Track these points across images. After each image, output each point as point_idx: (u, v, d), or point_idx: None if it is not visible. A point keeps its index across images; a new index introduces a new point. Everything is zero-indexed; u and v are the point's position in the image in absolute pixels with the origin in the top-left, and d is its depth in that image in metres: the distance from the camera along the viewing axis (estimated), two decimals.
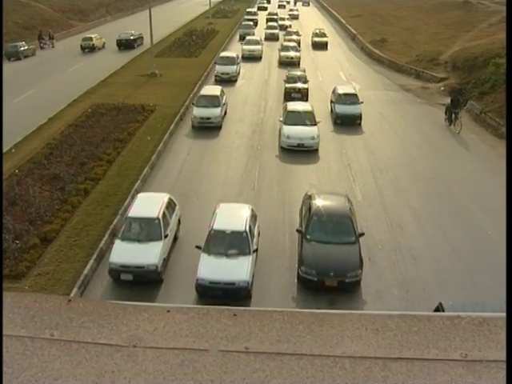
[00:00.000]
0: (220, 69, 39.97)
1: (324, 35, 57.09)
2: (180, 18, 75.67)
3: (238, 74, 41.18)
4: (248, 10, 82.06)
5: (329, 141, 27.59)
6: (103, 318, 2.36)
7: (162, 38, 55.98)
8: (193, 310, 2.42)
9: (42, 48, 54.33)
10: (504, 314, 2.44)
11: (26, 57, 49.45)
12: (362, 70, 45.92)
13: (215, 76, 39.80)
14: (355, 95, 31.14)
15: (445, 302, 12.73)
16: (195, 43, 54.56)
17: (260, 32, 62.37)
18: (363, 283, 15.75)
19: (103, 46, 54.12)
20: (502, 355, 2.20)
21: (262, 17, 77.83)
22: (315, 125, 26.62)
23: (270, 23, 65.92)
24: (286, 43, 49.83)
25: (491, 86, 33.36)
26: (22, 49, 49.07)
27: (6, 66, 45.61)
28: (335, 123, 29.86)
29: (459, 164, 25.01)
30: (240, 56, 45.17)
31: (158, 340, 2.24)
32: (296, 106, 28.58)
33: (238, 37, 61.08)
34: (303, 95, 33.98)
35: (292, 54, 46.76)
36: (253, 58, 48.68)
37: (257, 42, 51.38)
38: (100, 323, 2.32)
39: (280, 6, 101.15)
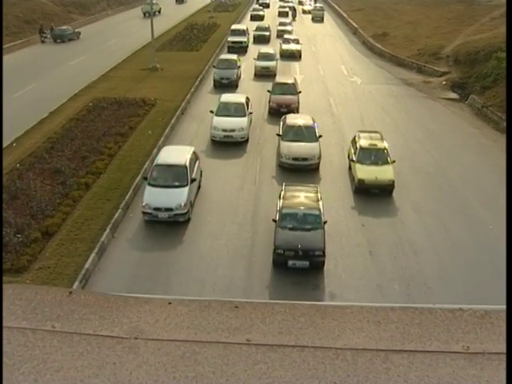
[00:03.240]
0: (151, 199, 18.34)
1: (383, 157, 21.71)
2: (181, 11, 75.47)
3: (189, 209, 18.68)
4: (233, 27, 52.95)
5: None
6: (104, 309, 2.36)
7: (163, 32, 55.85)
8: (194, 302, 2.42)
9: (42, 42, 54.21)
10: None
11: (70, 40, 55.07)
12: (364, 64, 45.81)
13: (143, 212, 18.45)
14: None
15: None
16: (196, 37, 54.39)
17: (250, 59, 41.87)
18: (364, 277, 15.82)
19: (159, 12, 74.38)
20: (504, 348, 2.20)
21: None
22: None
23: (263, 50, 41.44)
24: (290, 120, 25.02)
25: (493, 80, 33.30)
26: (66, 33, 55.34)
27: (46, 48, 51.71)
28: None
29: (461, 158, 24.98)
30: (205, 141, 26.19)
31: (159, 332, 2.24)
32: None
33: (213, 74, 37.16)
34: (316, 265, 15.95)
35: (303, 151, 22.90)
36: (231, 142, 25.88)
37: (240, 109, 27.02)
38: (101, 315, 2.32)
39: (281, 14, 70.17)
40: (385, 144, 22.29)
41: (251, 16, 70.82)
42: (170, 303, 2.40)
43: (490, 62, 35.04)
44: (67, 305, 2.38)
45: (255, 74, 39.26)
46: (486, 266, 16.34)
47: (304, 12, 78.37)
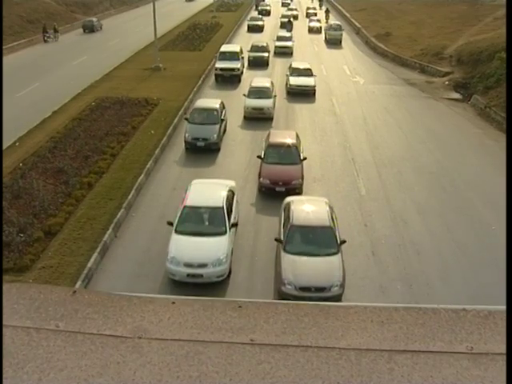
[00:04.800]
0: None
1: None
2: (184, 11, 75.52)
3: None
4: (223, 48, 40.19)
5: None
6: (108, 309, 2.36)
7: (166, 32, 55.90)
8: (198, 302, 2.42)
9: (45, 41, 54.31)
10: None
11: (97, 30, 61.21)
12: (366, 64, 45.76)
13: None
14: None
15: None
16: (199, 37, 54.46)
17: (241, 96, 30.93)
18: (367, 278, 15.81)
19: None
20: None
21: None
22: None
23: (255, 83, 30.83)
24: (298, 213, 16.01)
25: (496, 80, 33.23)
26: (95, 24, 61.68)
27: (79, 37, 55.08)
28: None
29: (464, 159, 24.94)
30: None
31: (162, 331, 2.24)
32: None
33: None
34: None
35: (318, 276, 14.40)
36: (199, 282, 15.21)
37: (217, 218, 15.98)
38: (105, 314, 2.32)
39: (284, 25, 58.27)
40: None
41: (248, 27, 60.59)
42: (173, 303, 2.40)
43: (493, 62, 34.97)
44: (71, 304, 2.38)
45: (244, 117, 29.11)
46: (488, 267, 16.30)
47: (311, 31, 59.80)
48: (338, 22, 57.78)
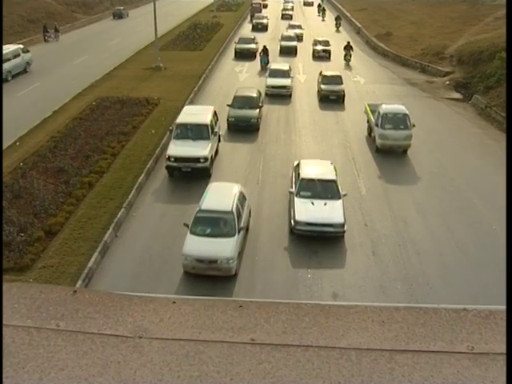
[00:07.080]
0: None
1: None
2: (184, 11, 75.45)
3: None
4: (183, 117, 23.62)
5: None
6: (109, 308, 2.36)
7: (167, 32, 55.87)
8: (198, 302, 2.42)
9: (46, 41, 54.30)
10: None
11: (125, 17, 71.21)
12: (367, 64, 45.71)
13: None
14: None
15: None
16: (200, 36, 54.42)
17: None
18: (367, 277, 15.80)
19: None
20: None
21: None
22: None
23: (207, 206, 16.20)
24: None
25: (497, 80, 33.23)
26: (123, 12, 72.24)
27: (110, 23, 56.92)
28: None
29: (464, 158, 24.93)
30: None
31: (163, 331, 2.24)
32: None
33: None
34: None
35: None
36: None
37: None
38: (106, 314, 2.32)
39: (285, 52, 45.99)
40: None
41: (236, 51, 45.36)
42: (174, 302, 2.39)
43: (493, 61, 34.96)
44: (71, 304, 2.38)
45: (185, 272, 15.48)
46: (489, 267, 16.30)
47: (324, 100, 32.78)
48: (401, 107, 26.32)
